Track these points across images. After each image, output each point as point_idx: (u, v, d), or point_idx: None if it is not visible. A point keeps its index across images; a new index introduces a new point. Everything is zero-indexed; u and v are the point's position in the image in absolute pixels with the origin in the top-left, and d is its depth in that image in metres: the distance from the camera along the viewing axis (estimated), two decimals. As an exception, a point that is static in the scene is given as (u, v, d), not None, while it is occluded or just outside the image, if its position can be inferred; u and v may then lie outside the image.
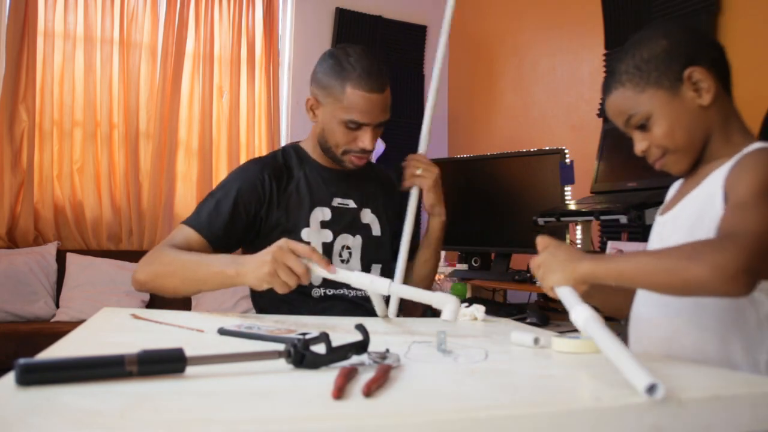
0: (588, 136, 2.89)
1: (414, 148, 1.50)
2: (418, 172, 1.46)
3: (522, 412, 0.57)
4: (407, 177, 1.47)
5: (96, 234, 3.50)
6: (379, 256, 1.50)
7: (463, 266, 2.67)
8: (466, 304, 1.32)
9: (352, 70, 1.34)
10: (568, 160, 2.27)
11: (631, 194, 2.02)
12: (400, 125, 3.60)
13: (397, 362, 0.75)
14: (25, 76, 3.29)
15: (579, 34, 3.17)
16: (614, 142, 2.26)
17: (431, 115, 1.48)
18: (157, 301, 3.32)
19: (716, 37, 2.31)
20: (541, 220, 2.11)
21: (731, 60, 1.01)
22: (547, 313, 2.01)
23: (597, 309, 0.86)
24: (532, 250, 0.96)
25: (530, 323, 1.77)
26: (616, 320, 1.41)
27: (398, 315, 1.37)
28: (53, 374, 0.58)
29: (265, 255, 1.11)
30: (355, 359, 0.74)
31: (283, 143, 3.82)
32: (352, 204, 1.49)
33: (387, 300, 1.32)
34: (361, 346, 0.76)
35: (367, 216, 1.51)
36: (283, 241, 1.12)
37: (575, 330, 0.85)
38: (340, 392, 0.58)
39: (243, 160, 3.81)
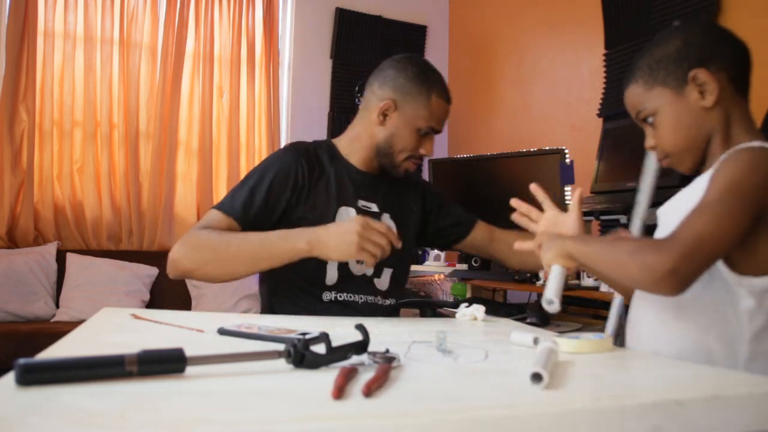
0: (588, 136, 2.89)
1: None
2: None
3: (522, 412, 0.57)
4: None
5: (96, 234, 3.50)
6: (389, 260, 1.51)
7: (463, 266, 2.67)
8: (466, 304, 1.32)
9: (437, 80, 1.44)
10: (568, 160, 2.28)
11: (631, 194, 2.00)
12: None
13: (397, 362, 0.75)
14: (25, 76, 3.29)
15: (579, 34, 3.17)
16: (614, 142, 2.26)
17: None
18: (157, 302, 3.33)
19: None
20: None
21: None
22: (547, 313, 2.01)
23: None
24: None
25: (530, 323, 1.76)
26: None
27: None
28: (53, 374, 0.58)
29: (349, 232, 1.20)
30: (355, 359, 0.74)
31: (283, 143, 3.82)
32: (374, 208, 1.50)
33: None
34: (361, 346, 0.76)
35: (386, 221, 1.52)
36: (362, 219, 1.22)
37: (575, 330, 0.85)
38: (340, 392, 0.58)
39: (243, 160, 3.81)
